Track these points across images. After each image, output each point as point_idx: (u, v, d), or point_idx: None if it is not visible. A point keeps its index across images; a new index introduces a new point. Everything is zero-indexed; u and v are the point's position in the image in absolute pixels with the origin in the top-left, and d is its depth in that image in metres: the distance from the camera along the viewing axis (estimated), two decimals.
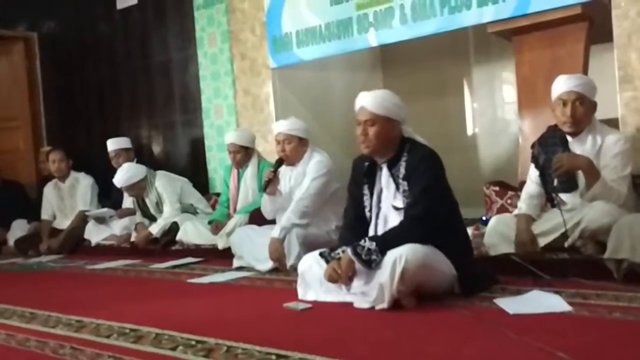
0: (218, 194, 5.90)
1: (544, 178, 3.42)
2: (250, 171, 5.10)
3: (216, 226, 5.11)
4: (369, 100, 3.07)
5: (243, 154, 5.11)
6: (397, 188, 3.05)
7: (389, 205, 3.09)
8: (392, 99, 3.09)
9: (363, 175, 3.19)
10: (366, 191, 3.18)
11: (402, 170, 3.03)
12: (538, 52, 4.34)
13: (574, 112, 3.32)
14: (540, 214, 3.50)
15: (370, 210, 3.16)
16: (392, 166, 3.08)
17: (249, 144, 5.15)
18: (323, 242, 3.98)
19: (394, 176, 3.07)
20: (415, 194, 2.95)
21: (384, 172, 3.12)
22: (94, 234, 6.13)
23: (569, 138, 3.40)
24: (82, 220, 6.26)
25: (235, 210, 5.16)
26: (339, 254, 3.05)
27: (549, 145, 3.43)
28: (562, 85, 3.39)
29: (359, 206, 3.21)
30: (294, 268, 3.75)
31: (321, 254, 3.15)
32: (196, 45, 6.36)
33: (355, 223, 3.22)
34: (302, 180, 4.22)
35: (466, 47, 6.10)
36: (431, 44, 5.24)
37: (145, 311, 3.28)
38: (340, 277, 2.99)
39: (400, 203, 3.04)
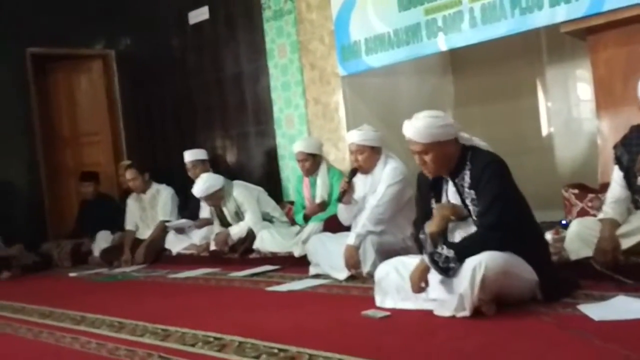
0: (292, 202, 6.00)
1: (629, 179, 3.32)
2: (320, 179, 5.20)
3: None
4: (414, 133, 3.01)
5: (311, 161, 5.20)
6: (464, 198, 3.03)
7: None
8: (436, 122, 3.01)
9: (429, 189, 3.19)
10: (434, 204, 3.17)
11: (468, 180, 3.00)
12: (614, 50, 4.23)
13: None
14: (627, 217, 3.37)
15: None
16: (456, 176, 3.06)
17: (317, 151, 5.25)
18: (398, 249, 4.00)
19: (459, 186, 3.05)
20: (486, 202, 2.91)
21: (450, 185, 3.11)
22: (175, 244, 6.31)
23: None
24: (162, 230, 6.45)
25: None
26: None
27: (633, 146, 3.32)
28: None
29: (427, 219, 3.19)
30: (370, 275, 3.79)
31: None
32: (266, 56, 6.47)
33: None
34: (376, 187, 4.22)
35: (538, 48, 5.98)
36: (502, 46, 5.16)
37: (227, 319, 3.36)
38: (417, 287, 2.99)
39: (466, 212, 3.02)
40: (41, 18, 7.52)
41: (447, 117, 3.11)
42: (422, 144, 3.02)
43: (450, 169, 3.07)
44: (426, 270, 2.97)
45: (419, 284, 2.99)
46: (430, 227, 3.06)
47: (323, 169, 5.26)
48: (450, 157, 3.05)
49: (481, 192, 2.94)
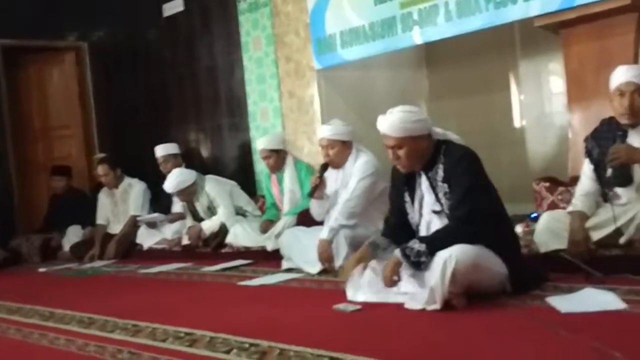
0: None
1: (599, 172, 3.35)
2: (288, 174, 5.19)
3: (266, 225, 5.17)
4: (388, 127, 3.04)
5: (275, 157, 5.19)
6: (437, 192, 3.03)
7: (430, 211, 3.09)
8: (410, 117, 3.04)
9: (403, 183, 3.20)
10: (407, 198, 3.19)
11: (441, 173, 3.01)
12: (586, 44, 4.25)
13: (632, 103, 3.22)
14: (596, 210, 3.40)
15: (414, 217, 3.16)
16: (430, 170, 3.07)
17: (280, 146, 5.24)
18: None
19: (432, 179, 3.06)
20: (458, 195, 2.93)
21: (423, 178, 3.11)
22: (146, 239, 6.25)
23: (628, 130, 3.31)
24: (133, 225, 6.39)
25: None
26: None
27: (603, 139, 3.35)
28: (620, 75, 3.29)
29: (401, 213, 3.21)
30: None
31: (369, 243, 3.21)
32: (241, 49, 6.42)
33: (397, 230, 3.24)
34: (348, 181, 4.23)
35: (512, 41, 6.00)
36: (476, 40, 5.17)
37: (198, 314, 3.34)
38: (385, 278, 3.00)
39: (439, 206, 3.03)
40: (13, 10, 7.38)
41: (421, 112, 3.13)
42: (395, 138, 3.03)
43: (423, 163, 3.08)
44: (398, 264, 2.97)
45: (392, 277, 3.00)
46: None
47: (290, 163, 5.25)
48: (423, 152, 3.06)
49: (454, 185, 2.96)
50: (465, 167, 2.96)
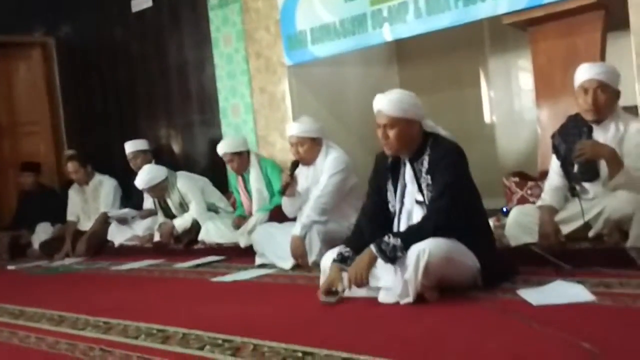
0: None
1: (566, 168, 3.41)
2: (253, 174, 5.21)
3: (239, 221, 5.17)
4: (386, 104, 3.06)
5: (238, 160, 5.21)
6: (420, 182, 3.06)
7: (412, 201, 3.10)
8: (409, 99, 3.08)
9: (387, 170, 3.20)
10: (390, 186, 3.19)
11: (426, 165, 3.04)
12: (554, 42, 4.32)
13: (595, 99, 3.29)
14: (565, 204, 3.46)
15: (394, 206, 3.16)
16: (415, 160, 3.09)
17: (241, 148, 5.24)
18: (343, 237, 3.99)
19: (417, 171, 3.08)
20: (439, 188, 2.95)
21: (408, 168, 3.13)
22: (117, 235, 6.21)
23: (593, 125, 3.38)
24: (104, 221, 6.33)
25: (250, 213, 5.22)
26: (349, 254, 3.09)
27: (570, 135, 3.41)
28: (584, 73, 3.36)
29: (381, 201, 3.21)
30: (317, 264, 3.79)
31: (335, 260, 3.14)
32: (212, 45, 6.40)
33: (374, 218, 3.21)
34: (319, 178, 4.23)
35: (481, 38, 6.09)
36: (446, 37, 5.22)
37: (171, 311, 3.33)
38: (361, 277, 2.96)
39: (421, 197, 3.05)
40: None
41: (419, 100, 3.14)
42: (390, 117, 3.04)
43: (410, 151, 3.10)
44: (374, 260, 2.96)
45: (367, 273, 2.95)
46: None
47: (254, 163, 5.25)
48: (412, 138, 3.07)
49: (437, 177, 2.98)
50: (449, 161, 2.98)
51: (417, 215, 3.06)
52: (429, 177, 3.02)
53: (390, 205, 3.19)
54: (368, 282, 2.99)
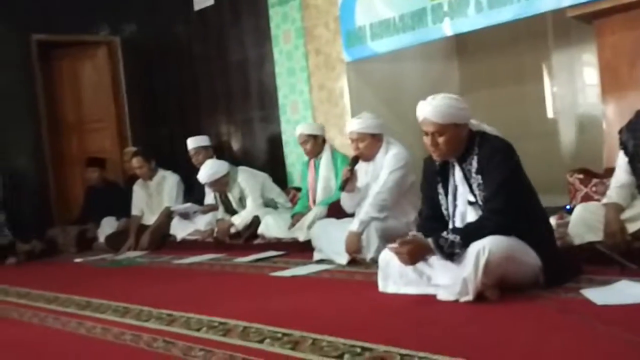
0: (296, 188, 6.02)
1: (634, 164, 3.30)
2: (324, 161, 5.25)
3: (297, 219, 5.22)
4: (431, 111, 2.99)
5: (313, 142, 5.27)
6: (471, 183, 3.02)
7: (464, 202, 3.06)
8: (454, 104, 3.01)
9: (436, 174, 3.17)
10: (441, 190, 3.16)
11: (475, 165, 2.99)
12: (620, 35, 4.20)
13: None
14: (631, 202, 3.36)
15: (447, 209, 3.14)
16: (464, 161, 3.05)
17: (318, 132, 5.33)
18: (402, 234, 3.98)
19: (466, 171, 3.04)
20: (493, 187, 2.91)
21: (457, 169, 3.09)
22: (179, 230, 6.33)
23: None
24: (167, 216, 6.46)
25: (314, 201, 5.27)
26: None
27: (638, 131, 3.30)
28: None
29: (434, 205, 3.19)
30: (374, 261, 3.79)
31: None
32: (271, 42, 6.46)
33: (431, 223, 3.20)
34: (379, 174, 4.22)
35: (544, 32, 5.94)
36: (508, 30, 5.14)
37: (232, 304, 3.37)
38: (415, 255, 2.97)
39: (473, 198, 3.01)
40: (46, 5, 7.50)
41: (464, 101, 3.09)
42: (438, 124, 2.99)
43: (458, 153, 3.06)
44: (425, 249, 2.95)
45: (419, 255, 2.97)
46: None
47: (327, 151, 5.32)
48: (461, 141, 3.03)
49: (488, 177, 2.93)
50: (499, 159, 2.93)
51: (471, 216, 3.03)
52: (479, 176, 2.97)
53: (443, 209, 3.16)
54: (414, 265, 2.99)
